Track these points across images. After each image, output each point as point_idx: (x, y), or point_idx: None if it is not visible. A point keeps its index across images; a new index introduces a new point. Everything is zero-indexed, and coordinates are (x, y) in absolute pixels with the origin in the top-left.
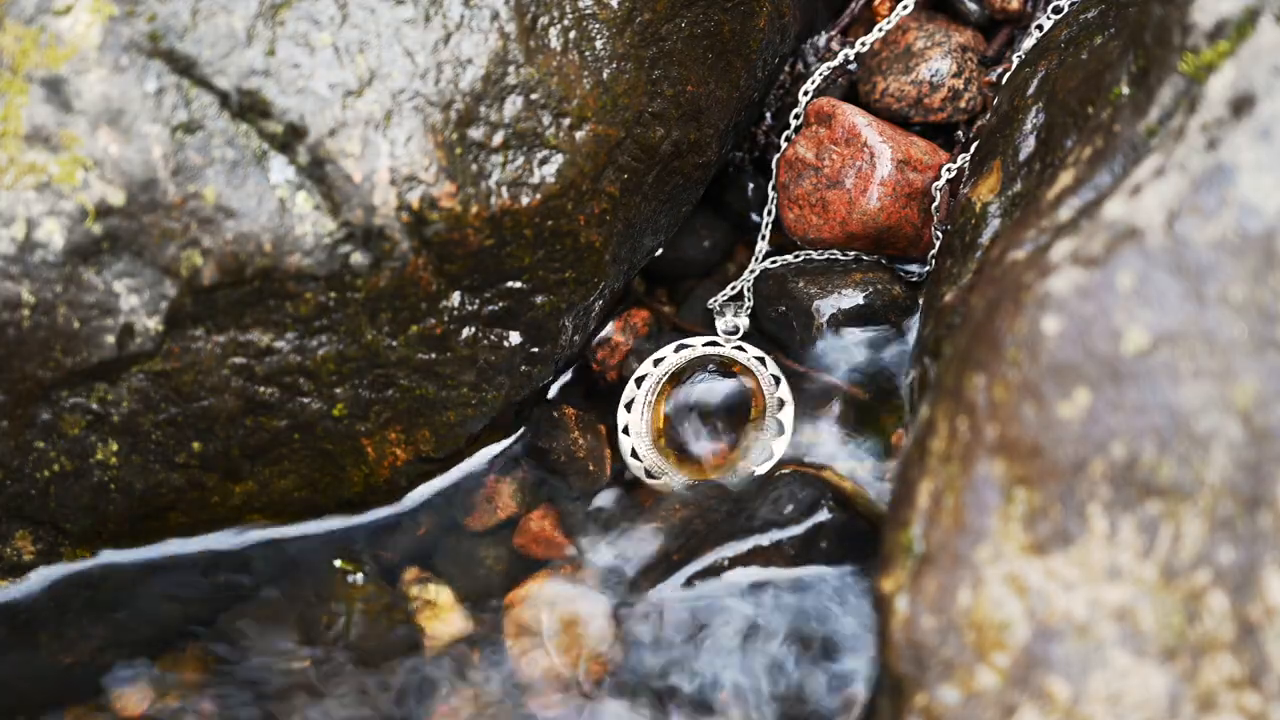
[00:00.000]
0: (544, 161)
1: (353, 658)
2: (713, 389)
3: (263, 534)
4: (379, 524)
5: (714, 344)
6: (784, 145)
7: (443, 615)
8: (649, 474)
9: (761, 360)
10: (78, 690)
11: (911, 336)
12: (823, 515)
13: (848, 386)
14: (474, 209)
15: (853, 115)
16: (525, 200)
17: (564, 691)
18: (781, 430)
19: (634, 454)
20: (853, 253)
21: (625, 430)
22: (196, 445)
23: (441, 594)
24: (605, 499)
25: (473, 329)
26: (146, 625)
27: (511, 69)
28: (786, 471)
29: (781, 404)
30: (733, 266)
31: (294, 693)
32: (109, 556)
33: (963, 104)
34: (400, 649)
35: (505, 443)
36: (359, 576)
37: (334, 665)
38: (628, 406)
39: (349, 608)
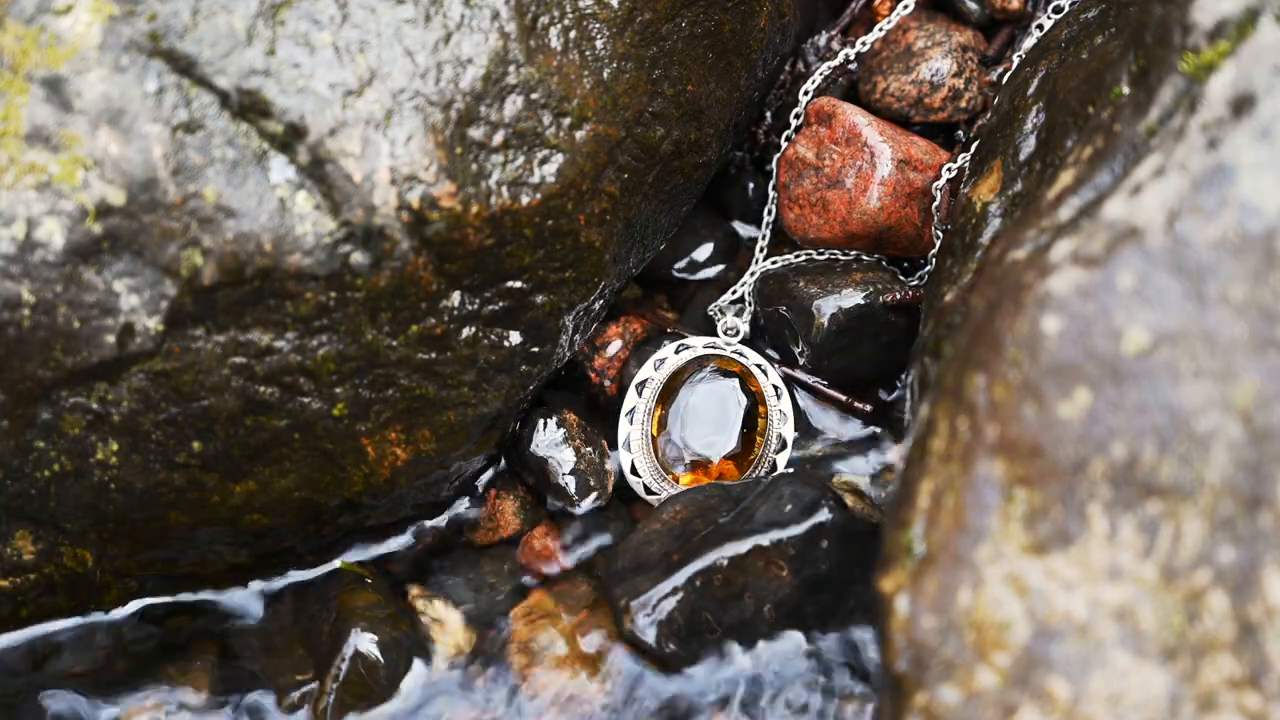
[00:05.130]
0: (544, 161)
1: (356, 667)
2: (713, 393)
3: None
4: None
5: (714, 346)
6: (784, 145)
7: (448, 631)
8: (649, 490)
9: (762, 369)
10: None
11: None
12: (823, 515)
13: (846, 397)
14: (474, 208)
15: (853, 115)
16: (525, 200)
17: (569, 708)
18: (783, 443)
19: (633, 470)
20: (853, 252)
21: (626, 444)
22: (196, 445)
23: (447, 610)
24: (607, 511)
25: (473, 329)
26: (151, 638)
27: (512, 69)
28: (788, 471)
29: (783, 416)
30: (733, 268)
31: (297, 707)
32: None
33: (963, 103)
34: (405, 664)
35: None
36: (366, 585)
37: (336, 674)
38: (629, 416)
39: (353, 619)
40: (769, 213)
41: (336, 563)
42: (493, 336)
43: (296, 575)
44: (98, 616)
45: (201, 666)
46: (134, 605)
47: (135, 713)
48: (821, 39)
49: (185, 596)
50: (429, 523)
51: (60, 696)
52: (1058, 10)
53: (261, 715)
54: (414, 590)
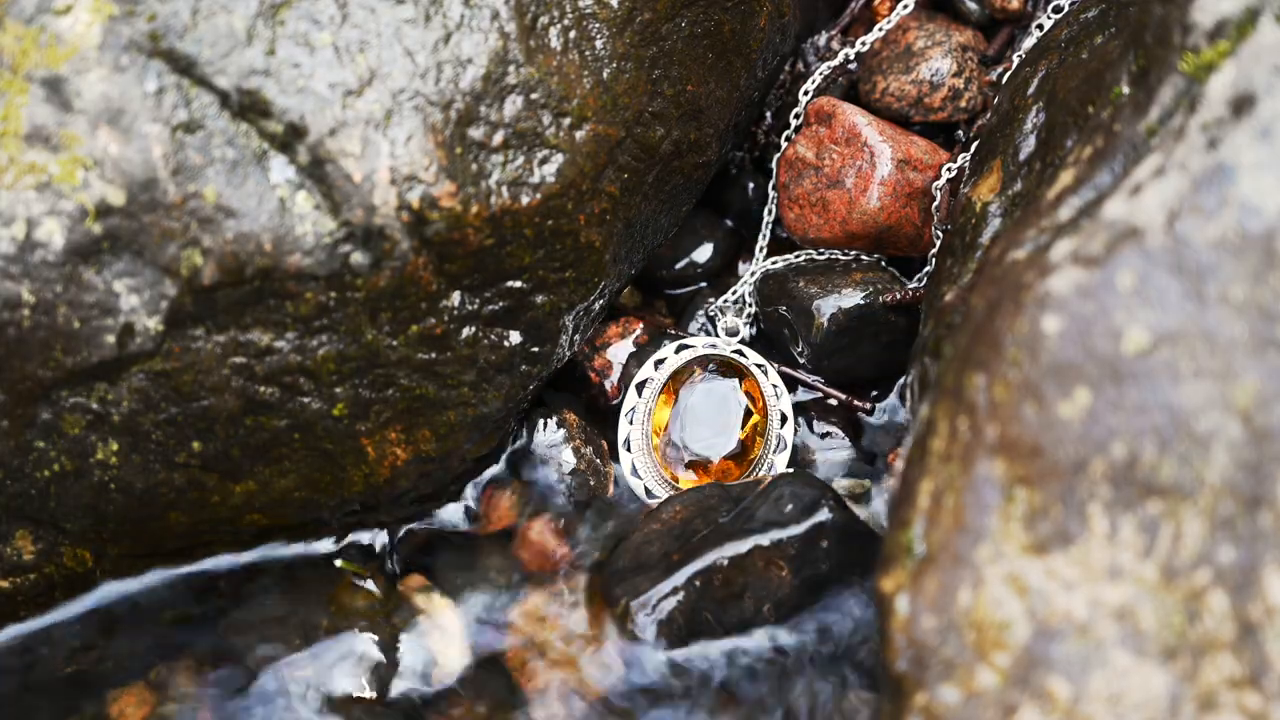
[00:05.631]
0: (544, 161)
1: (354, 664)
2: (714, 393)
3: None
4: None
5: (714, 346)
6: (784, 145)
7: (444, 625)
8: (649, 493)
9: (762, 369)
10: (79, 697)
11: None
12: (823, 515)
13: (846, 396)
14: (474, 208)
15: (853, 115)
16: (525, 200)
17: (567, 703)
18: (782, 444)
19: (634, 471)
20: (853, 252)
21: (627, 445)
22: (196, 445)
23: (445, 606)
24: (606, 507)
25: (473, 329)
26: (147, 630)
27: (511, 69)
28: (787, 471)
29: (783, 417)
30: (732, 268)
31: (292, 699)
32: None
33: (963, 103)
34: (403, 657)
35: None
36: (363, 582)
37: (335, 672)
38: (629, 416)
39: (350, 615)
40: (769, 213)
41: (337, 562)
42: (493, 336)
43: (293, 561)
44: (91, 602)
45: (196, 657)
46: (130, 584)
47: (126, 704)
48: (821, 39)
49: (185, 569)
50: (427, 518)
51: (53, 690)
52: (1058, 10)
53: (256, 705)
54: (412, 585)
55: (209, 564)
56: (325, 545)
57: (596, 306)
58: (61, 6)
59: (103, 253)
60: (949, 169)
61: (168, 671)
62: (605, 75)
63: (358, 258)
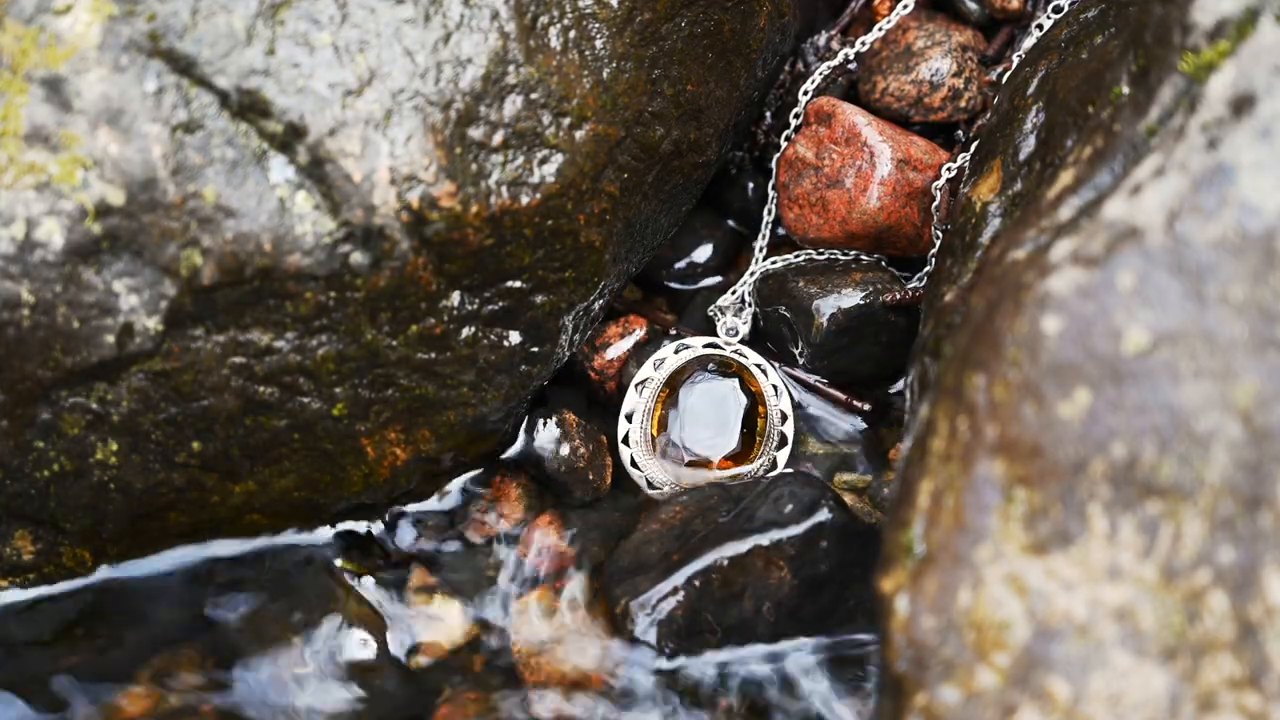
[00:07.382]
0: (544, 161)
1: (354, 662)
2: (713, 393)
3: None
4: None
5: (714, 346)
6: (784, 145)
7: (446, 624)
8: (650, 484)
9: (762, 369)
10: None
11: None
12: (823, 515)
13: (846, 396)
14: (474, 208)
15: (853, 115)
16: (525, 200)
17: (571, 698)
18: (783, 442)
19: (634, 464)
20: (853, 252)
21: (625, 440)
22: (196, 445)
23: (448, 603)
24: (607, 506)
25: (473, 329)
26: (148, 628)
27: (511, 68)
28: (787, 471)
29: (784, 416)
30: (732, 268)
31: (294, 694)
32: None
33: (963, 103)
34: (403, 655)
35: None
36: (364, 580)
37: (335, 670)
38: (628, 416)
39: (350, 614)
40: (769, 213)
41: (337, 562)
42: (492, 336)
43: (293, 561)
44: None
45: (195, 653)
46: (130, 582)
47: (131, 699)
48: (821, 39)
49: (184, 567)
50: (427, 518)
51: (57, 681)
52: (1058, 10)
53: (255, 702)
54: (414, 582)
55: (209, 562)
56: (325, 545)
57: (596, 306)
58: (61, 6)
59: (102, 253)
60: (949, 169)
61: (168, 666)
62: (605, 75)
63: (357, 258)
